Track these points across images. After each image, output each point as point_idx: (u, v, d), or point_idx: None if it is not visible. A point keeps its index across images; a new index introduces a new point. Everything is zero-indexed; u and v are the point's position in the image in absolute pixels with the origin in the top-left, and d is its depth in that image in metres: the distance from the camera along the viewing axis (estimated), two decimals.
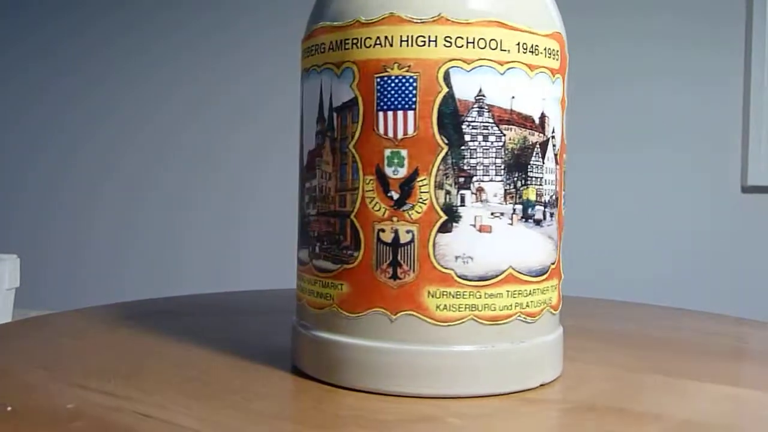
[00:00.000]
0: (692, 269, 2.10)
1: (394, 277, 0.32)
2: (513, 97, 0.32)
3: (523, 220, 0.33)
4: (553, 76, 0.34)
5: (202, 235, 2.41)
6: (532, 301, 0.33)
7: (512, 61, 0.32)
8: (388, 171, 0.32)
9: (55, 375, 0.34)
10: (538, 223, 0.33)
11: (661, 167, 2.13)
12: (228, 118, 2.40)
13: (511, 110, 0.32)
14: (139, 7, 2.47)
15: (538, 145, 0.33)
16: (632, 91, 2.15)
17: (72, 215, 2.49)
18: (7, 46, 2.56)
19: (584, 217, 2.08)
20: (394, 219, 0.32)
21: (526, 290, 0.33)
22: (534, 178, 0.33)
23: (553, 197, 0.34)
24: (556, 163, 0.35)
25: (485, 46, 0.32)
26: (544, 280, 0.34)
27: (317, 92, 0.34)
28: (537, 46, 0.33)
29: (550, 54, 0.33)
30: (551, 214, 0.34)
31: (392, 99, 0.32)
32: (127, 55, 2.48)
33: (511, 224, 0.32)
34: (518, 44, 0.32)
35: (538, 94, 0.33)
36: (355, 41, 0.32)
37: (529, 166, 0.33)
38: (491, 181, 0.32)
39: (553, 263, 0.34)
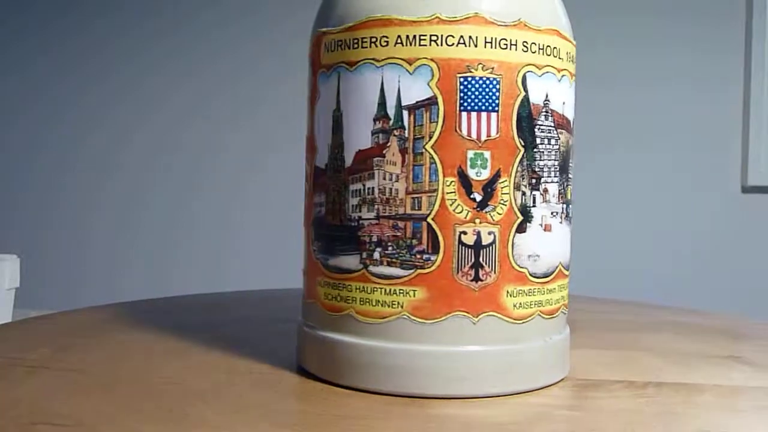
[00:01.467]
0: (692, 269, 2.12)
1: (476, 279, 0.32)
2: (564, 103, 0.34)
3: (566, 218, 0.35)
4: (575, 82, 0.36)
5: (203, 235, 2.40)
6: (567, 293, 0.36)
7: (564, 69, 0.34)
8: (471, 173, 0.32)
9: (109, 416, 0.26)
10: (570, 220, 0.36)
11: (662, 167, 2.15)
12: (228, 118, 2.39)
13: (563, 115, 0.34)
14: (138, 7, 2.46)
15: (572, 148, 0.36)
16: (632, 92, 2.15)
17: (72, 215, 2.48)
18: (7, 45, 2.54)
19: (584, 216, 2.04)
20: (477, 221, 0.32)
21: (565, 284, 0.35)
22: (570, 179, 0.36)
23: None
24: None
25: (550, 54, 0.33)
26: (569, 273, 0.36)
27: (375, 88, 0.32)
28: (573, 56, 0.35)
29: (575, 63, 0.36)
30: (572, 212, 0.37)
31: (476, 100, 0.31)
32: (127, 55, 2.46)
33: (561, 222, 0.34)
34: (567, 53, 0.34)
35: (572, 101, 0.35)
36: (434, 38, 0.31)
37: (569, 168, 0.35)
38: (552, 182, 0.34)
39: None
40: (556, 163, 0.34)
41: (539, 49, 0.33)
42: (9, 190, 2.54)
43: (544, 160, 0.33)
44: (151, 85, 2.46)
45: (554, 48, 0.33)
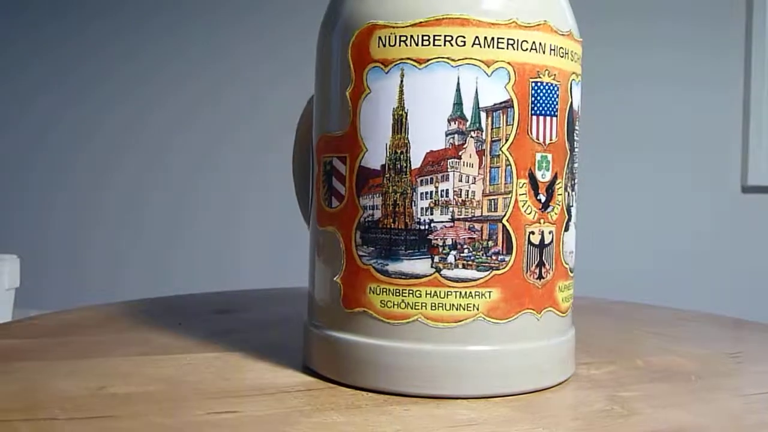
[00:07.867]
0: (692, 269, 2.04)
1: (540, 277, 0.33)
2: (579, 107, 0.37)
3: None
4: None
5: (203, 234, 2.38)
6: None
7: (580, 74, 0.37)
8: (538, 174, 0.33)
9: None
10: None
11: (662, 167, 2.07)
12: (228, 119, 2.36)
13: (578, 119, 0.37)
14: (137, 7, 2.43)
15: None
16: (633, 92, 2.07)
17: (72, 215, 2.46)
18: (7, 45, 2.53)
19: (583, 216, 1.82)
20: (542, 221, 0.33)
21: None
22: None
23: None
24: None
25: (577, 61, 0.35)
26: None
27: (450, 88, 0.31)
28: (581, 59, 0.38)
29: None
30: None
31: (543, 105, 0.32)
32: (126, 56, 2.44)
33: (576, 221, 0.37)
34: (580, 57, 0.37)
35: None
36: (511, 42, 0.32)
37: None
38: (577, 183, 0.36)
39: None
40: (576, 165, 0.36)
41: (578, 58, 0.35)
42: (9, 190, 2.51)
43: (576, 162, 0.36)
44: (150, 85, 2.43)
45: (580, 56, 0.36)
